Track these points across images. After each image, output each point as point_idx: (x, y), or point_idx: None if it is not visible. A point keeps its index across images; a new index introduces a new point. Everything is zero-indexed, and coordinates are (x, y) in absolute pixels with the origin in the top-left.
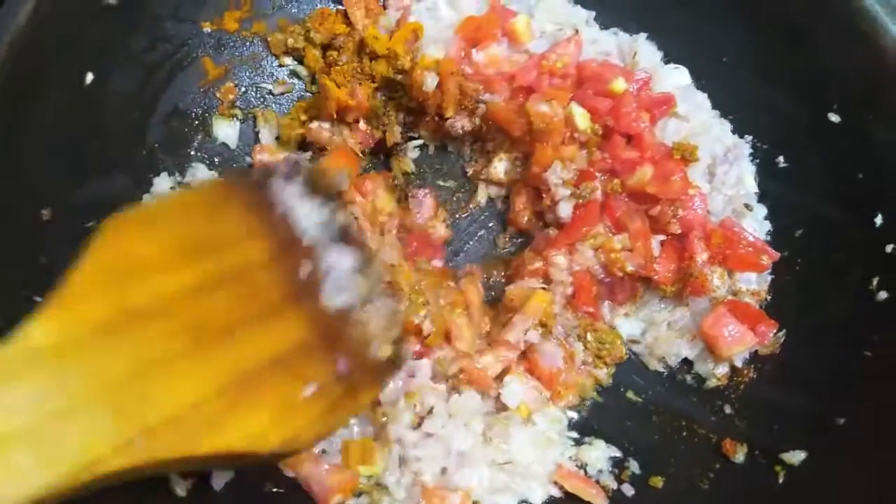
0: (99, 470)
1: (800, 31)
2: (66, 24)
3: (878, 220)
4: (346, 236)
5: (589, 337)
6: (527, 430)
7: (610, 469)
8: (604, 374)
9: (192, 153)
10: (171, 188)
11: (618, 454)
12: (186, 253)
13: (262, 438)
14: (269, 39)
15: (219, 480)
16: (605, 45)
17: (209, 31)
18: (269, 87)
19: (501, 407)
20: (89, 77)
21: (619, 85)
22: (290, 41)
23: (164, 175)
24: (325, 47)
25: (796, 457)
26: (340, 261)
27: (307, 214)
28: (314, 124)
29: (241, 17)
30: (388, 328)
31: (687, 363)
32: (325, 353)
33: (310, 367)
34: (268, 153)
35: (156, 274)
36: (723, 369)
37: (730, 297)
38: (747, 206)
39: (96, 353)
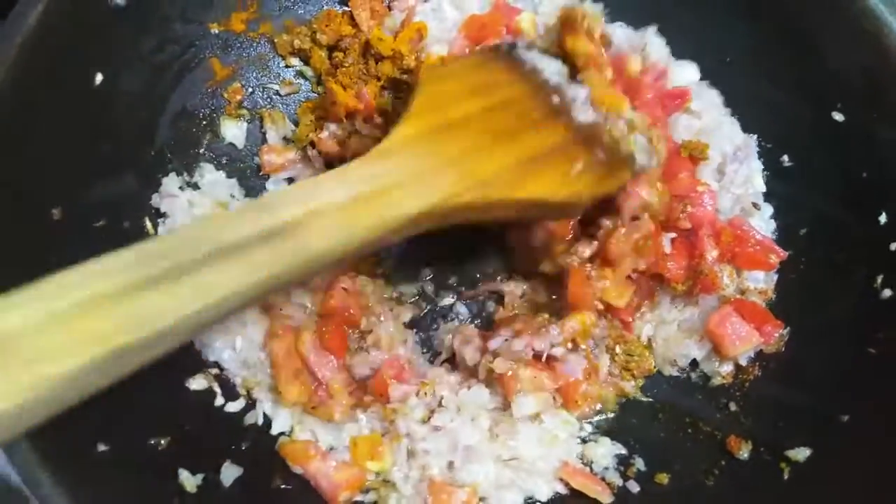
0: (450, 202)
1: (803, 31)
2: (76, 26)
3: (883, 218)
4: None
5: (617, 349)
6: (533, 427)
7: (615, 466)
8: (631, 386)
9: (201, 153)
10: (180, 188)
11: (623, 451)
12: (475, 91)
13: (551, 193)
14: (275, 40)
15: (228, 476)
16: (615, 37)
17: (216, 32)
18: (276, 87)
19: (509, 403)
20: (98, 78)
21: (635, 65)
22: (297, 42)
23: (172, 175)
24: (331, 48)
25: (801, 453)
26: (578, 93)
27: (548, 66)
28: (324, 133)
29: (247, 19)
30: (624, 136)
31: (692, 361)
32: (585, 147)
33: (576, 154)
34: (275, 153)
35: (459, 101)
36: (728, 367)
37: (737, 296)
38: (755, 206)
39: (437, 142)
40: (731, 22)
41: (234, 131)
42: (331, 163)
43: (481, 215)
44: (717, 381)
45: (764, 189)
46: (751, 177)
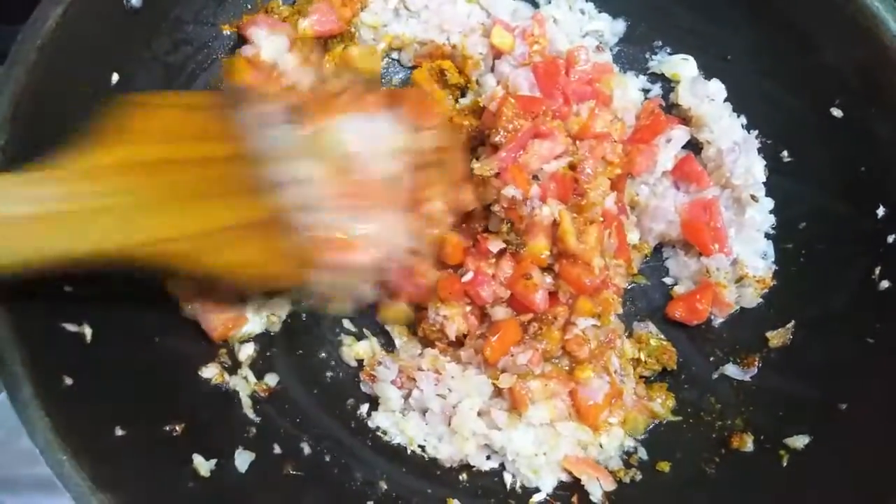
0: (152, 248)
1: (802, 29)
2: (93, 27)
3: (880, 211)
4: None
5: (642, 356)
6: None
7: (618, 455)
8: (659, 405)
9: None
10: None
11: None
12: (174, 135)
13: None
14: None
15: (242, 462)
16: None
17: (228, 33)
18: None
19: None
20: (115, 78)
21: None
22: None
23: None
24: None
25: (800, 441)
26: (299, 170)
27: (275, 133)
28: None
29: None
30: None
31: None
32: (269, 231)
33: (255, 238)
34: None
35: (152, 143)
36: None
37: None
38: (753, 197)
39: (109, 183)
40: (731, 21)
41: None
42: None
43: (169, 267)
44: (717, 371)
45: (764, 179)
46: (751, 167)
